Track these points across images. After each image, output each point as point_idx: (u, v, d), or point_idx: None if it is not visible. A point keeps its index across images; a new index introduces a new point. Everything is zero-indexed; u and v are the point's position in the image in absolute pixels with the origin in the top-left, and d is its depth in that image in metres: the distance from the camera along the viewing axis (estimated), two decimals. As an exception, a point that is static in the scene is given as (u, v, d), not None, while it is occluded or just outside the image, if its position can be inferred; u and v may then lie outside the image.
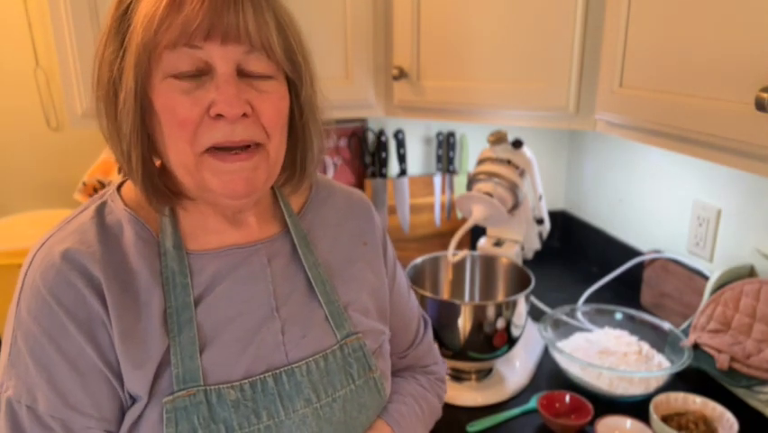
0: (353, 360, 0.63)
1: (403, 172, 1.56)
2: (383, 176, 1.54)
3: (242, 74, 0.54)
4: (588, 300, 1.30)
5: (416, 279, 1.09)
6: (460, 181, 1.59)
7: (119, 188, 0.63)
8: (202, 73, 0.53)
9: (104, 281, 0.55)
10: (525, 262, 1.16)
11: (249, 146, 0.55)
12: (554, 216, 1.60)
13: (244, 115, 0.53)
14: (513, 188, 1.05)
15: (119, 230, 0.59)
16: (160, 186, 0.58)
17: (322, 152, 0.65)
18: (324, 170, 1.56)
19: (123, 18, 0.54)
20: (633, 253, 1.37)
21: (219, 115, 0.52)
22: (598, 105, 0.94)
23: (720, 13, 0.69)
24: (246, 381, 0.57)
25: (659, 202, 1.31)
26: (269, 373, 0.59)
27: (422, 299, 0.98)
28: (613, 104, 0.90)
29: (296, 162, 0.64)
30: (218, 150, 0.54)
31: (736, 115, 0.67)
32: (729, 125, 0.68)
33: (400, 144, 1.53)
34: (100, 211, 0.60)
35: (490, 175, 1.06)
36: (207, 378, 0.56)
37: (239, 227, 0.63)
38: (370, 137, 1.54)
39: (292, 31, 0.57)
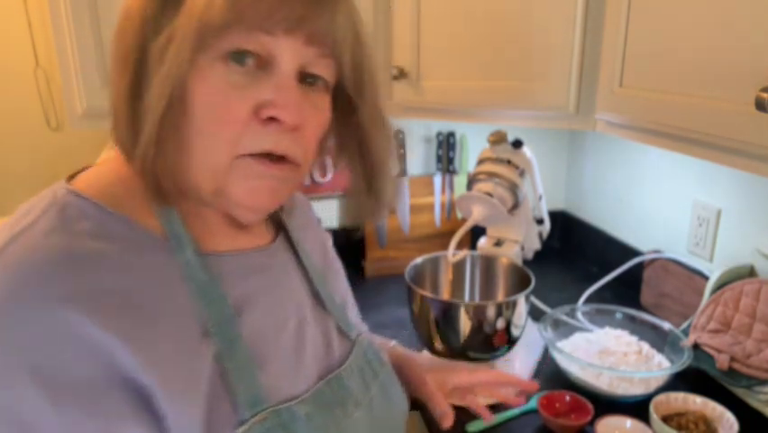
0: (371, 356, 0.63)
1: (403, 172, 1.55)
2: (383, 176, 1.54)
3: (300, 77, 0.48)
4: (588, 300, 1.30)
5: (417, 279, 1.09)
6: (460, 181, 1.59)
7: (69, 182, 0.50)
8: (258, 65, 0.46)
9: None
10: (526, 262, 1.16)
11: (281, 159, 0.48)
12: (554, 215, 1.60)
13: (295, 127, 0.47)
14: (513, 188, 1.05)
15: (105, 240, 0.44)
16: (175, 183, 0.47)
17: (396, 173, 0.60)
18: (324, 172, 1.55)
19: None
20: (633, 253, 1.37)
21: (271, 119, 0.46)
22: (598, 105, 0.94)
23: (720, 12, 0.69)
24: (308, 393, 0.53)
25: (659, 202, 1.31)
26: (324, 381, 0.55)
27: (422, 299, 0.98)
28: (613, 104, 0.90)
29: (371, 192, 0.57)
30: (260, 155, 0.47)
31: (735, 115, 0.67)
32: (729, 125, 0.68)
33: (400, 144, 1.53)
34: (64, 219, 0.44)
35: (490, 175, 1.06)
36: (271, 398, 0.49)
37: (244, 230, 0.56)
38: (370, 137, 1.53)
39: (366, 43, 0.51)
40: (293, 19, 0.44)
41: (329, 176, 1.56)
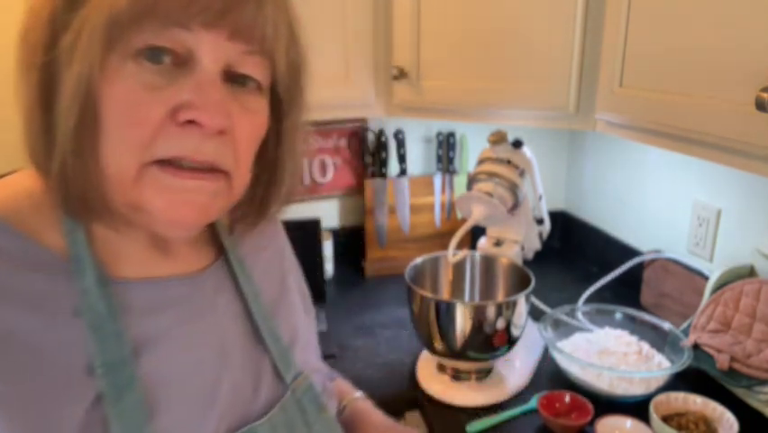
0: (306, 403, 0.55)
1: (403, 172, 1.56)
2: (383, 176, 1.54)
3: (228, 77, 0.43)
4: (588, 300, 1.30)
5: (417, 279, 1.09)
6: (460, 181, 1.59)
7: None
8: (176, 62, 0.40)
9: None
10: (526, 262, 1.16)
11: (210, 170, 0.43)
12: (554, 216, 1.60)
13: (221, 131, 0.42)
14: (513, 188, 1.05)
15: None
16: (91, 197, 0.42)
17: (291, 194, 0.53)
18: (324, 171, 1.56)
19: None
20: (633, 253, 1.37)
21: (190, 122, 0.40)
22: (598, 105, 0.94)
23: (720, 12, 0.69)
24: None
25: (659, 202, 1.31)
26: None
27: (422, 300, 0.98)
28: (613, 104, 0.90)
29: (255, 199, 0.52)
30: (171, 163, 0.41)
31: (736, 115, 0.67)
32: (729, 125, 0.68)
33: (400, 144, 1.53)
34: None
35: (490, 175, 1.06)
36: None
37: (167, 255, 0.50)
38: (370, 137, 1.54)
39: (301, 42, 0.47)
40: (213, 11, 0.39)
41: (329, 175, 1.56)
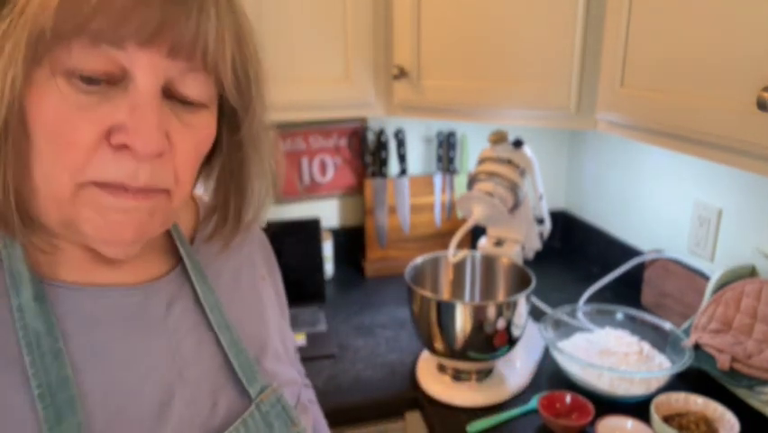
0: (273, 418, 0.52)
1: (403, 172, 1.55)
2: (383, 176, 1.54)
3: (167, 95, 0.40)
4: (588, 300, 1.30)
5: (417, 279, 1.09)
6: (460, 181, 1.58)
7: None
8: (111, 81, 0.38)
9: None
10: (526, 261, 1.16)
11: (149, 190, 0.41)
12: (555, 215, 1.60)
13: (157, 154, 0.39)
14: (513, 188, 1.05)
15: None
16: (21, 215, 0.40)
17: (266, 195, 0.51)
18: (324, 171, 1.55)
19: None
20: (633, 252, 1.36)
21: (124, 146, 0.38)
22: (599, 105, 0.93)
23: (721, 12, 0.69)
24: None
25: (660, 202, 1.31)
26: None
27: (422, 300, 0.98)
28: (614, 103, 0.90)
29: (228, 208, 0.50)
30: (108, 184, 0.39)
31: (737, 115, 0.66)
32: (730, 125, 0.68)
33: (400, 144, 1.53)
34: None
35: (491, 175, 1.05)
36: None
37: (113, 263, 0.47)
38: (370, 137, 1.53)
39: (251, 49, 0.44)
40: (148, 29, 0.36)
41: (329, 175, 1.56)
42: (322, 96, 1.19)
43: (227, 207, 0.51)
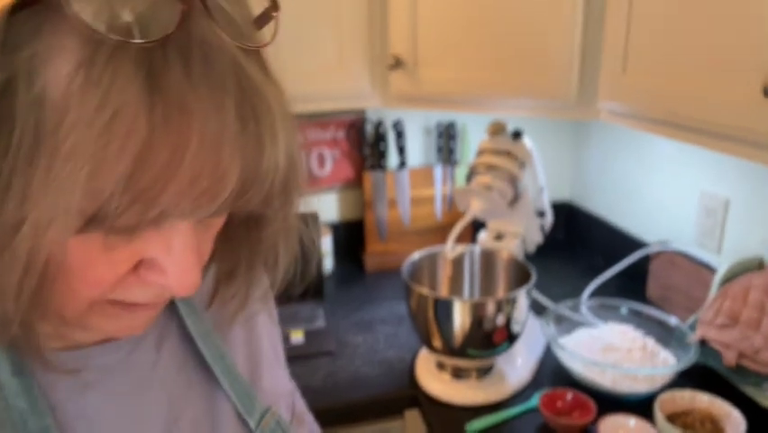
0: None
1: (403, 164, 1.52)
2: (382, 168, 1.51)
3: None
4: (593, 292, 1.27)
5: (415, 275, 1.07)
6: (461, 173, 1.56)
7: None
8: None
9: None
10: (528, 254, 1.13)
11: None
12: (559, 206, 1.57)
13: None
14: (513, 181, 1.02)
15: None
16: None
17: (287, 261, 0.44)
18: (323, 164, 1.53)
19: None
20: (639, 244, 1.33)
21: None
22: (601, 94, 0.90)
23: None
24: None
25: (666, 192, 1.27)
26: None
27: (419, 297, 0.96)
28: (616, 92, 0.86)
29: (237, 262, 0.43)
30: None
31: (743, 103, 0.63)
32: (736, 113, 0.65)
33: (399, 135, 1.50)
34: None
35: (489, 167, 1.03)
36: None
37: None
38: (369, 128, 1.50)
39: (299, 167, 0.37)
40: (220, 205, 0.31)
41: (327, 168, 1.53)
42: (315, 87, 1.17)
43: (235, 261, 0.43)
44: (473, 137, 1.55)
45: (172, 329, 0.47)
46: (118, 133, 0.26)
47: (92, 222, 0.29)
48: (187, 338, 0.48)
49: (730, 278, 1.00)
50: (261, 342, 0.55)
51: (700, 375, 0.97)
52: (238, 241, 0.42)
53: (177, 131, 0.27)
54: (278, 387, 0.55)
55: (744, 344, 0.90)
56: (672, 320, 1.04)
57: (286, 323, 1.24)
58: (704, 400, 0.87)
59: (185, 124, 0.27)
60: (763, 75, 0.59)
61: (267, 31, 0.35)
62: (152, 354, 0.45)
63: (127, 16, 0.26)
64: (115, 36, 0.26)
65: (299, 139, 0.37)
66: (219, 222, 0.38)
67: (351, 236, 1.58)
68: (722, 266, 1.03)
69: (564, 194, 1.67)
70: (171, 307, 0.48)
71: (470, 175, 1.06)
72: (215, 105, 0.28)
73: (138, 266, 0.33)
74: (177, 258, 0.33)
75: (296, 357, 1.13)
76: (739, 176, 1.07)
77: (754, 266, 1.00)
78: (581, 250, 1.57)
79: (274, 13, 0.34)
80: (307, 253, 0.48)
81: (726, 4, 0.65)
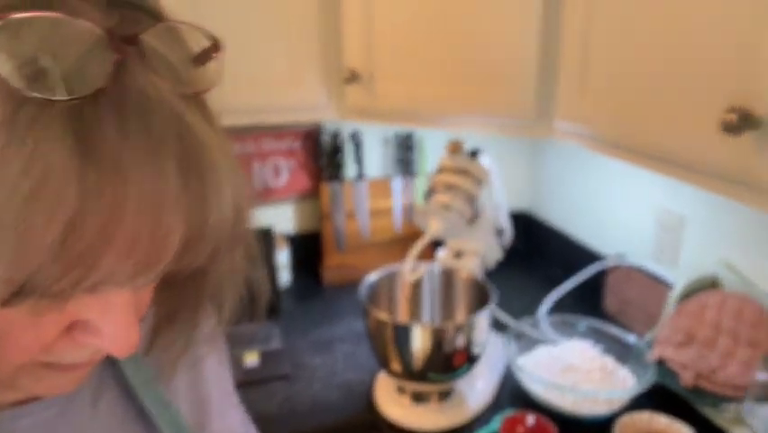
0: None
1: (361, 175, 1.49)
2: (340, 179, 1.47)
3: None
4: (551, 305, 1.27)
5: (373, 295, 1.03)
6: (420, 184, 1.53)
7: None
8: None
9: None
10: (488, 269, 1.12)
11: None
12: (518, 219, 1.56)
13: None
14: (471, 200, 1.00)
15: None
16: None
17: (234, 300, 0.40)
18: (278, 175, 1.48)
19: None
20: (596, 257, 1.34)
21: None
22: (558, 113, 0.89)
23: (683, 23, 0.64)
24: None
25: (624, 206, 1.28)
26: None
27: (378, 322, 0.93)
28: (573, 112, 0.85)
29: (177, 304, 0.39)
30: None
31: (701, 137, 0.62)
32: (694, 146, 0.64)
33: (357, 146, 1.46)
34: None
35: (448, 186, 1.00)
36: None
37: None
38: (325, 139, 1.46)
39: (247, 220, 0.34)
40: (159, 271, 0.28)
41: (283, 179, 1.48)
42: (270, 100, 1.12)
43: (174, 303, 0.39)
44: (432, 148, 1.52)
45: (109, 381, 0.43)
46: (46, 201, 0.23)
47: (20, 293, 0.25)
48: (127, 389, 0.44)
49: (686, 295, 1.01)
50: (209, 384, 0.51)
51: (659, 395, 0.97)
52: (179, 286, 0.38)
53: (111, 194, 0.24)
54: (230, 430, 0.52)
55: (700, 363, 0.90)
56: (631, 338, 1.04)
57: (240, 344, 1.18)
58: (662, 423, 0.87)
59: (120, 186, 0.24)
60: (720, 107, 0.58)
61: (210, 71, 0.31)
62: (88, 411, 0.41)
63: (53, 71, 0.23)
64: (39, 94, 0.23)
65: (246, 189, 0.34)
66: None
67: (308, 249, 1.53)
68: (678, 282, 1.03)
69: (523, 204, 1.67)
70: (108, 356, 0.43)
71: (429, 193, 1.03)
72: (154, 164, 0.25)
73: (71, 328, 0.30)
74: (114, 318, 0.30)
75: (250, 382, 1.08)
76: (697, 194, 1.08)
77: (709, 284, 1.01)
78: (540, 261, 1.57)
79: (214, 54, 0.30)
80: (257, 290, 0.43)
81: (681, 29, 0.64)
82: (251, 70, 1.07)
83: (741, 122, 0.55)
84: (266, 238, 1.33)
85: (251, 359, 1.15)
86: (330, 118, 1.17)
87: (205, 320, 0.42)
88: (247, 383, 1.09)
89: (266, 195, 1.48)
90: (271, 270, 1.34)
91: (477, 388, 1.02)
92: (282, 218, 1.52)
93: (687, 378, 0.90)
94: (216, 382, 0.53)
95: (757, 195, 0.59)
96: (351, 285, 1.45)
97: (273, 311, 1.32)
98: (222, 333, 0.56)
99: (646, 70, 0.70)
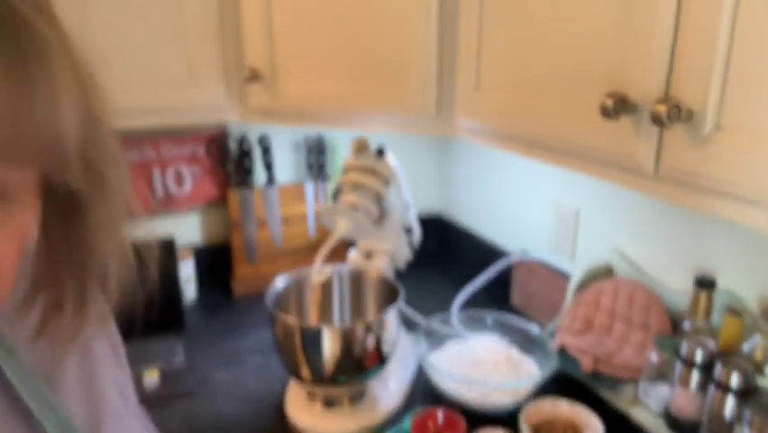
0: None
1: (271, 181, 1.45)
2: (249, 185, 1.42)
3: None
4: (464, 303, 1.29)
5: (281, 302, 1.00)
6: (333, 188, 1.51)
7: None
8: None
9: None
10: (401, 270, 1.11)
11: None
12: (430, 220, 1.58)
13: None
14: (378, 199, 0.99)
15: None
16: None
17: (121, 274, 0.40)
18: (181, 183, 1.40)
19: None
20: (503, 254, 1.38)
21: None
22: (458, 110, 0.90)
23: (565, 11, 0.67)
24: None
25: (525, 203, 1.33)
26: None
27: (285, 326, 0.89)
28: (471, 108, 0.87)
29: (64, 288, 0.38)
30: None
31: (583, 121, 0.65)
32: (577, 132, 0.66)
33: (266, 151, 1.42)
34: None
35: (355, 186, 0.99)
36: None
37: None
38: (231, 143, 1.41)
39: (104, 139, 0.34)
40: None
41: (187, 187, 1.41)
42: (165, 100, 1.06)
43: (63, 286, 0.37)
44: (343, 152, 1.51)
45: None
46: None
47: None
48: (6, 389, 0.40)
49: (583, 285, 1.06)
50: (102, 383, 0.48)
51: (563, 382, 1.00)
52: (62, 262, 0.37)
53: None
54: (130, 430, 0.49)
55: (598, 349, 0.94)
56: (533, 328, 1.07)
57: (139, 362, 1.10)
58: (564, 408, 0.90)
59: None
60: (600, 92, 0.60)
61: None
62: None
63: None
64: None
65: (104, 104, 0.34)
66: (11, 221, 0.31)
67: (217, 260, 1.46)
68: (575, 273, 1.08)
69: (435, 207, 1.69)
70: None
71: (336, 193, 1.02)
72: None
73: None
74: None
75: (149, 403, 1.00)
76: (589, 186, 1.13)
77: (604, 272, 1.07)
78: (452, 262, 1.60)
79: None
80: (144, 272, 0.43)
81: (563, 21, 0.67)
82: (143, 69, 1.01)
83: (618, 105, 0.58)
84: (168, 250, 1.26)
85: (151, 377, 1.07)
86: (232, 119, 1.12)
87: (93, 299, 0.40)
88: (145, 404, 1.02)
89: (168, 204, 1.40)
90: (174, 284, 1.27)
91: (390, 388, 1.01)
92: (187, 229, 1.45)
93: (586, 363, 0.94)
94: (111, 381, 0.50)
95: (635, 177, 0.62)
96: (263, 296, 1.40)
97: (176, 326, 1.25)
98: (110, 315, 0.53)
99: (534, 62, 0.73)
